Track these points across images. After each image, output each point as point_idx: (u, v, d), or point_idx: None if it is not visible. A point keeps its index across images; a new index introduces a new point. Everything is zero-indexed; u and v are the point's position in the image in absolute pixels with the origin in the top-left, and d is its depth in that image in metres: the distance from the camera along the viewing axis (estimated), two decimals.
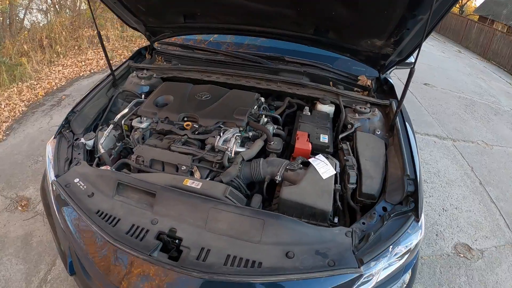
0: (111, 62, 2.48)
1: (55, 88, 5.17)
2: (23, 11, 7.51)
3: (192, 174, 1.61)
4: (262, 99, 2.10)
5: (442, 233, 3.06)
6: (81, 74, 5.72)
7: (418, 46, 1.71)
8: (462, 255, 2.86)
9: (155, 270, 1.20)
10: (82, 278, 1.40)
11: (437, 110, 5.66)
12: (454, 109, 5.86)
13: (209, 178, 1.62)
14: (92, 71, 5.87)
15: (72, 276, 1.48)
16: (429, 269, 2.67)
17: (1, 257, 2.36)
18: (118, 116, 1.95)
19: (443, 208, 3.37)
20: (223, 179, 1.54)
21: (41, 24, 7.23)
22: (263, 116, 1.94)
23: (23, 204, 2.81)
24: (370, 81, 2.30)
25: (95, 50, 6.67)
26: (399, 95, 2.11)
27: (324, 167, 1.52)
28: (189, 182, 1.45)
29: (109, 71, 2.29)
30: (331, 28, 1.97)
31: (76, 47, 6.71)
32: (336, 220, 1.49)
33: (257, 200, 1.49)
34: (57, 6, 7.90)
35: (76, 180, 1.48)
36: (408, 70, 1.63)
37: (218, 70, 2.33)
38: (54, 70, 5.73)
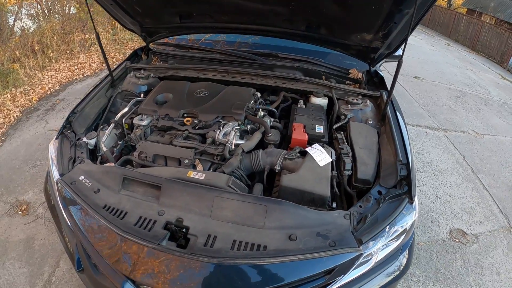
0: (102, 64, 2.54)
1: (48, 92, 5.16)
2: (13, 17, 7.48)
3: (194, 167, 1.66)
4: (258, 94, 2.18)
5: (437, 219, 3.13)
6: (74, 78, 5.71)
7: (405, 39, 1.79)
8: (457, 240, 2.93)
9: (165, 258, 1.23)
10: (90, 274, 1.42)
11: (428, 102, 5.76)
12: (444, 100, 5.97)
13: (211, 170, 1.68)
14: (85, 74, 5.86)
15: (80, 272, 1.49)
16: (425, 254, 2.74)
17: (4, 261, 2.37)
18: (119, 115, 1.99)
19: (436, 196, 3.43)
20: (225, 170, 1.60)
21: (31, 30, 7.19)
22: (260, 110, 2.01)
23: (23, 208, 2.82)
24: (361, 74, 2.39)
25: (87, 54, 6.66)
26: (389, 86, 2.22)
27: (320, 155, 1.59)
28: (193, 174, 1.50)
29: (106, 73, 2.34)
30: (323, 24, 2.05)
31: (68, 52, 6.70)
32: (334, 205, 1.56)
33: (258, 189, 1.56)
34: (45, 11, 7.86)
35: (81, 177, 1.52)
36: (394, 63, 1.71)
37: (214, 68, 2.39)
38: (47, 75, 5.72)
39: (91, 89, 2.22)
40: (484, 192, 3.65)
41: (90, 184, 1.48)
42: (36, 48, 6.37)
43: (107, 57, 6.49)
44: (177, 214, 1.34)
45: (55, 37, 6.74)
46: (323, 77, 2.39)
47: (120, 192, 1.44)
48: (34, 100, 4.85)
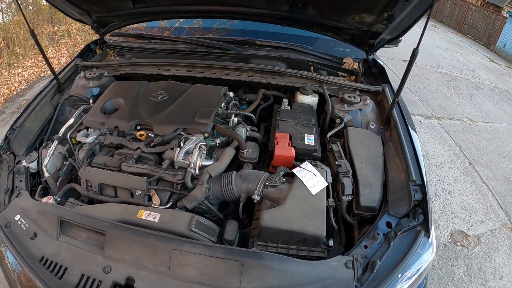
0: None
1: (15, 93, 4.83)
2: None
3: (150, 199, 1.31)
4: (231, 93, 1.73)
5: (437, 221, 2.93)
6: (41, 75, 5.32)
7: (414, 23, 1.41)
8: (459, 243, 2.77)
9: None
10: None
11: (419, 87, 5.52)
12: (436, 85, 5.74)
13: (170, 203, 1.30)
14: (57, 71, 5.36)
15: None
16: None
17: None
18: (63, 128, 1.61)
19: (435, 194, 3.24)
20: (187, 205, 1.22)
21: None
22: (233, 116, 1.58)
23: None
24: (357, 63, 1.98)
25: (56, 47, 6.22)
26: (391, 80, 1.84)
27: (312, 178, 1.21)
28: (144, 215, 1.17)
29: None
30: (310, 2, 1.62)
31: (36, 46, 6.14)
32: (331, 242, 1.19)
33: (231, 229, 1.16)
34: (13, 5, 7.20)
35: (17, 217, 1.25)
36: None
37: (177, 62, 1.96)
38: (13, 74, 5.34)
39: (33, 97, 1.84)
40: (483, 186, 3.49)
41: (27, 226, 1.22)
42: (1, 44, 5.88)
43: (77, 50, 5.98)
44: (126, 271, 1.06)
45: (22, 32, 6.23)
46: (312, 68, 1.96)
47: (59, 238, 1.17)
48: (0, 103, 4.51)
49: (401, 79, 1.42)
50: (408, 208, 1.21)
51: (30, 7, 7.48)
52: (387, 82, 1.84)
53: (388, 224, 1.19)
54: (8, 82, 5.08)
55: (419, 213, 1.19)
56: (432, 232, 1.19)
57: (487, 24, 10.71)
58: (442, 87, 5.69)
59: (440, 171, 3.54)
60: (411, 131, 1.48)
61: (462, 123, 4.61)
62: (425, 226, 1.16)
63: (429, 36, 9.80)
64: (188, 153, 1.35)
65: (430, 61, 7.04)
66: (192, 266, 1.02)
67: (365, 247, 1.12)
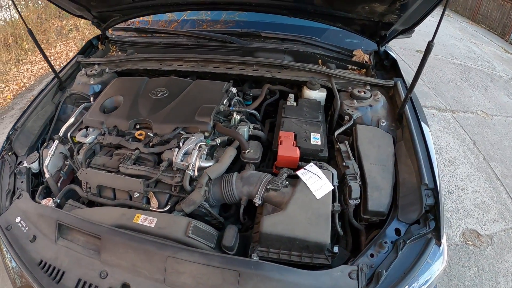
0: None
1: (24, 89, 4.87)
2: None
3: (148, 201, 1.27)
4: (234, 89, 1.65)
5: (449, 219, 2.84)
6: (50, 70, 5.26)
7: (428, 13, 1.32)
8: (471, 243, 2.67)
9: None
10: None
11: (433, 78, 5.32)
12: (449, 76, 5.53)
13: (169, 206, 1.26)
14: (61, 64, 5.42)
15: None
16: None
17: None
18: (64, 128, 1.61)
19: (448, 191, 3.13)
20: (185, 209, 1.18)
21: (3, 22, 6.60)
22: (235, 113, 1.51)
23: None
24: (367, 56, 1.87)
25: (64, 42, 6.27)
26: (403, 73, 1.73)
27: (317, 182, 1.13)
28: (140, 219, 1.15)
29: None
30: None
31: (45, 41, 6.25)
32: (336, 249, 1.13)
33: (231, 235, 1.10)
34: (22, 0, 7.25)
35: (18, 219, 1.26)
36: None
37: (180, 57, 1.90)
38: (22, 69, 5.40)
39: (35, 96, 1.83)
40: (497, 183, 3.35)
41: (27, 229, 1.23)
42: (10, 41, 5.96)
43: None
44: (122, 277, 1.05)
45: (30, 27, 6.13)
46: (319, 61, 1.87)
47: (57, 241, 1.17)
48: (9, 99, 4.58)
49: (414, 73, 1.33)
50: (419, 214, 1.13)
51: (39, 1, 7.58)
52: (400, 76, 1.74)
53: (397, 231, 1.12)
54: (17, 78, 5.15)
55: (430, 219, 1.12)
56: (444, 240, 1.11)
57: (502, 14, 10.27)
58: (456, 79, 5.48)
59: (454, 166, 3.42)
60: (424, 129, 1.39)
61: (476, 117, 4.43)
62: (437, 233, 1.09)
63: (442, 26, 9.31)
64: (187, 154, 1.29)
65: (444, 51, 6.77)
66: (188, 274, 0.98)
67: (371, 255, 1.05)
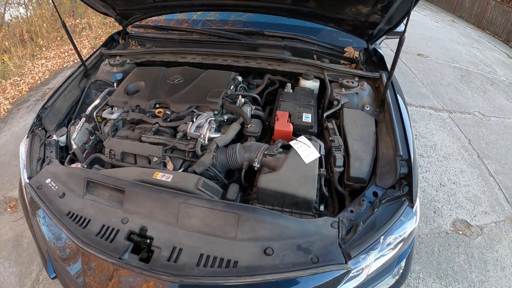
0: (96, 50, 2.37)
1: (39, 82, 5.05)
2: (3, 7, 7.16)
3: (165, 165, 1.50)
4: (240, 78, 1.91)
5: (440, 210, 2.95)
6: (64, 65, 5.55)
7: (408, 12, 1.52)
8: (461, 232, 2.77)
9: (125, 273, 1.13)
10: (64, 280, 1.36)
11: (432, 81, 5.46)
12: (449, 79, 5.66)
13: (182, 169, 1.49)
14: (75, 61, 5.65)
15: (53, 279, 1.45)
16: (427, 248, 2.57)
17: None
18: (90, 108, 1.84)
19: (440, 184, 3.25)
20: (196, 169, 1.41)
21: (20, 19, 6.94)
22: (240, 96, 1.76)
23: (11, 205, 2.75)
24: (357, 52, 2.10)
25: (78, 39, 6.49)
26: (390, 66, 1.95)
27: (306, 150, 1.36)
28: (159, 176, 1.34)
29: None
30: None
31: (59, 38, 6.51)
32: (322, 208, 1.34)
33: (233, 190, 1.34)
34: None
35: (48, 180, 1.42)
36: (396, 39, 1.45)
37: (193, 51, 2.15)
38: (37, 64, 5.59)
39: (63, 81, 2.07)
40: (490, 179, 3.45)
41: (56, 188, 1.39)
42: (25, 36, 6.22)
43: (99, 42, 6.32)
44: (141, 222, 1.21)
45: (45, 24, 6.58)
46: (315, 56, 2.11)
47: (84, 196, 1.33)
48: (24, 91, 4.77)
49: (391, 65, 1.54)
50: (394, 180, 1.31)
51: (51, 0, 7.89)
52: (386, 69, 1.96)
53: (375, 194, 1.30)
54: (32, 72, 5.34)
55: (404, 185, 1.29)
56: (417, 203, 1.28)
57: (507, 20, 10.34)
58: (455, 82, 5.61)
59: (447, 162, 3.55)
60: (403, 113, 1.59)
61: (473, 117, 4.55)
62: (410, 197, 1.26)
63: (446, 31, 9.61)
64: (199, 127, 1.54)
65: (446, 55, 6.91)
66: (197, 217, 1.18)
67: (351, 211, 1.24)
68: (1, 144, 3.57)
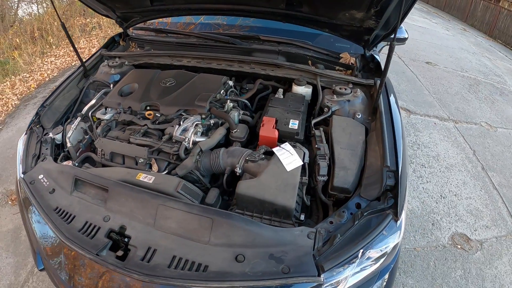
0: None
1: (47, 79, 5.17)
2: (16, 4, 7.36)
3: (150, 166, 1.51)
4: (231, 82, 1.91)
5: (439, 222, 2.87)
6: (73, 64, 5.65)
7: (404, 14, 1.48)
8: (459, 247, 2.68)
9: (101, 270, 1.18)
10: (49, 273, 1.41)
11: (439, 89, 5.36)
12: (457, 88, 5.55)
13: (166, 171, 1.50)
14: (84, 59, 5.73)
15: (40, 271, 1.50)
16: (422, 261, 2.50)
17: None
18: (86, 107, 1.88)
19: (441, 195, 3.17)
20: (179, 172, 1.42)
21: (32, 16, 7.11)
22: (228, 101, 1.75)
23: (13, 198, 2.82)
24: (354, 58, 2.06)
25: (88, 39, 6.61)
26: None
27: (289, 157, 1.33)
28: (141, 177, 1.37)
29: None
30: (304, 0, 1.74)
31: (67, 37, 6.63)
32: (302, 217, 1.31)
33: (213, 195, 1.33)
34: None
35: (41, 176, 1.47)
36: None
37: (189, 54, 2.17)
38: (46, 61, 5.71)
39: (62, 80, 2.14)
40: (493, 192, 3.36)
41: (47, 184, 1.44)
42: (36, 34, 6.38)
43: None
44: (121, 221, 1.25)
45: (56, 23, 6.68)
46: (309, 62, 2.08)
47: (72, 193, 1.38)
48: (33, 88, 4.89)
49: (382, 72, 1.51)
50: (379, 191, 1.27)
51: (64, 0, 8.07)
52: None
53: (358, 205, 1.26)
54: (41, 69, 5.49)
55: (389, 197, 1.25)
56: (402, 217, 1.23)
57: None
58: (463, 91, 5.50)
59: (449, 173, 3.47)
60: (396, 121, 1.54)
61: (479, 128, 4.45)
62: (395, 210, 1.21)
63: (457, 39, 9.47)
64: (185, 130, 1.53)
65: (455, 64, 6.79)
66: (173, 219, 1.19)
67: (331, 222, 1.20)
68: (6, 138, 3.67)
